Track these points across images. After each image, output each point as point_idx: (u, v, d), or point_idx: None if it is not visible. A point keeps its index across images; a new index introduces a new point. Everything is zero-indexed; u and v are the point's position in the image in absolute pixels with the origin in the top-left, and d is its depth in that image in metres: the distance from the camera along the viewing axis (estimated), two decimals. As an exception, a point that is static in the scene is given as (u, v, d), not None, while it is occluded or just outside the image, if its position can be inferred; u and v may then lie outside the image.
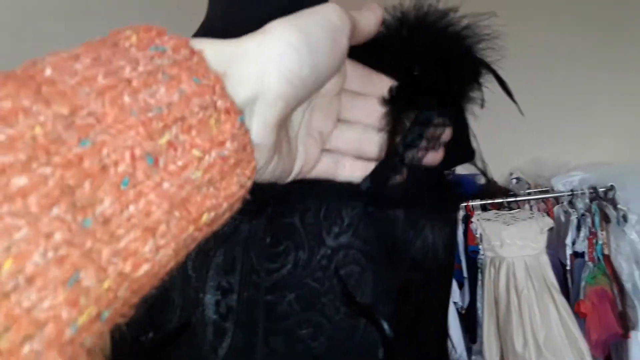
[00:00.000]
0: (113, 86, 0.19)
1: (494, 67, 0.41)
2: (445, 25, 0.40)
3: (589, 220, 1.80)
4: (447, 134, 0.36)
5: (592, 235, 1.78)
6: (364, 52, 0.43)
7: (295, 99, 0.26)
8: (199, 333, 0.38)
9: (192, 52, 0.22)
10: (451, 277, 0.46)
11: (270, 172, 0.28)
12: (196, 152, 0.20)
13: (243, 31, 0.41)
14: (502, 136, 2.07)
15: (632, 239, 1.72)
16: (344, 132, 0.35)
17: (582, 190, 1.84)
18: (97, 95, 0.18)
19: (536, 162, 2.12)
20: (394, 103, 0.36)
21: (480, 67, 0.40)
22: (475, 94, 0.41)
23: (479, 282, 1.83)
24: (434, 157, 0.36)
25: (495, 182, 2.12)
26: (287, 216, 0.37)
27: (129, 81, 0.19)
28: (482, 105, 0.42)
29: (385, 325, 0.37)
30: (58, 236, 0.16)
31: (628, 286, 1.69)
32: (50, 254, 0.16)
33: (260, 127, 0.24)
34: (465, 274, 1.86)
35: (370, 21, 0.32)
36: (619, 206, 1.77)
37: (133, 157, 0.18)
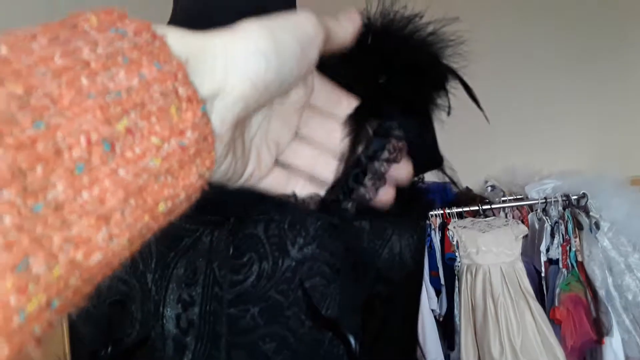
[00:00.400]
0: (70, 67, 0.18)
1: (460, 73, 0.41)
2: (411, 32, 0.39)
3: (562, 227, 1.83)
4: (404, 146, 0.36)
5: (566, 242, 1.81)
6: (330, 59, 0.42)
7: (256, 102, 0.25)
8: (158, 348, 0.36)
9: (154, 36, 0.21)
10: (420, 286, 0.46)
11: (222, 171, 0.27)
12: (155, 140, 0.20)
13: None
14: (477, 144, 2.10)
15: (604, 245, 1.75)
16: (300, 149, 0.34)
17: (555, 197, 1.87)
18: (53, 75, 0.18)
19: (510, 170, 2.15)
20: (357, 112, 0.35)
21: (447, 74, 0.40)
22: (441, 101, 0.41)
23: (456, 290, 1.84)
24: (398, 171, 0.35)
25: (470, 190, 2.14)
26: (251, 227, 0.36)
27: (87, 63, 0.19)
28: (448, 113, 0.41)
29: (351, 339, 0.36)
30: (7, 220, 0.15)
31: (601, 292, 1.72)
32: None
33: (218, 122, 0.24)
34: (442, 282, 1.86)
35: (346, 32, 0.31)
36: (591, 214, 1.80)
37: (89, 141, 0.18)
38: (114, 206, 0.18)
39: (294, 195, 0.34)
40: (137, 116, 0.19)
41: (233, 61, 0.24)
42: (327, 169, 0.34)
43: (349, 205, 0.35)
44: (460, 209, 1.91)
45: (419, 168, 0.43)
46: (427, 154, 0.44)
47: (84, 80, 0.18)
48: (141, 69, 0.20)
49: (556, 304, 1.75)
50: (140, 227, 0.20)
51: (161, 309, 0.37)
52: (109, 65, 0.19)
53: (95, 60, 0.19)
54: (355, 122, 0.34)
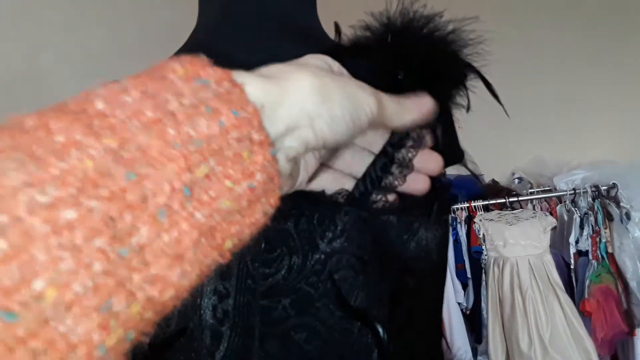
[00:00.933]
0: (159, 119, 0.20)
1: (480, 70, 0.42)
2: (431, 31, 0.40)
3: (592, 218, 1.80)
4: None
5: (596, 233, 1.78)
6: (349, 56, 0.43)
7: (312, 147, 0.27)
8: (196, 338, 0.39)
9: (234, 84, 0.22)
10: (444, 279, 0.47)
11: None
12: (228, 183, 0.21)
13: (234, 48, 0.42)
14: (503, 136, 2.07)
15: (636, 236, 1.71)
16: (341, 151, 0.36)
17: (584, 188, 1.84)
18: (144, 128, 0.19)
19: (538, 161, 2.12)
20: None
21: (467, 70, 0.41)
22: (461, 97, 0.42)
23: (483, 283, 1.83)
24: (426, 158, 0.37)
25: (497, 182, 2.12)
26: (282, 222, 0.38)
27: (173, 114, 0.20)
28: (467, 110, 0.42)
29: (380, 329, 0.38)
30: (97, 266, 0.17)
31: (633, 284, 1.69)
32: (89, 283, 0.16)
33: (282, 161, 0.25)
34: (469, 275, 1.85)
35: (404, 118, 0.32)
36: (621, 204, 1.77)
37: (173, 189, 0.19)
38: (187, 246, 0.19)
39: (323, 191, 0.36)
40: (215, 162, 0.21)
41: (301, 107, 0.25)
42: (364, 165, 0.36)
43: (378, 197, 0.37)
44: (486, 202, 1.89)
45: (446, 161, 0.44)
46: (448, 149, 0.45)
47: (171, 131, 0.20)
48: (221, 117, 0.21)
49: (586, 296, 1.73)
50: (208, 263, 0.21)
51: (199, 300, 0.39)
52: (193, 115, 0.20)
53: (181, 112, 0.20)
54: None
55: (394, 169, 0.37)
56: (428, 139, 0.38)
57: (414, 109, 0.33)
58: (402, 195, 0.38)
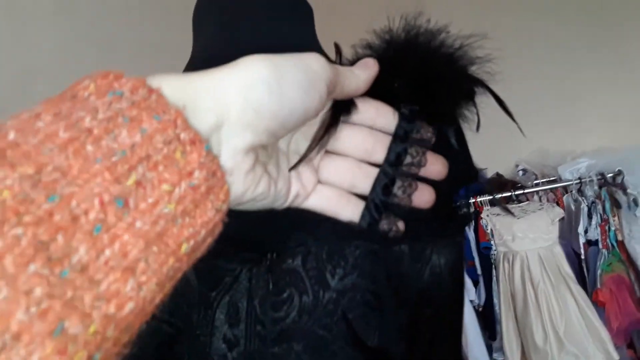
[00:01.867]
0: (75, 138, 0.20)
1: (489, 83, 0.40)
2: (436, 47, 0.39)
3: (599, 207, 1.78)
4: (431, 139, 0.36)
5: (604, 222, 1.76)
6: None
7: (267, 130, 0.26)
8: None
9: (150, 90, 0.22)
10: (462, 304, 0.46)
11: (261, 194, 0.28)
12: (165, 187, 0.21)
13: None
14: (504, 128, 2.05)
15: (645, 222, 1.70)
16: (336, 162, 0.34)
17: (590, 177, 1.82)
18: (60, 150, 0.19)
19: (541, 152, 2.11)
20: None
21: (475, 85, 0.40)
22: (470, 113, 0.40)
23: (494, 278, 1.81)
24: (429, 170, 0.35)
25: (501, 176, 2.11)
26: (288, 261, 0.36)
27: (90, 130, 0.20)
28: (477, 128, 0.41)
29: None
30: (38, 291, 0.16)
31: (645, 271, 1.68)
32: (33, 309, 0.16)
33: (229, 153, 0.25)
34: (479, 271, 1.84)
35: (358, 80, 0.32)
36: (628, 191, 1.75)
37: (102, 203, 0.19)
38: (136, 257, 0.19)
39: (331, 223, 0.34)
40: (144, 169, 0.21)
41: (234, 91, 0.25)
42: (367, 179, 0.34)
43: (386, 224, 0.35)
44: (492, 196, 1.87)
45: (455, 183, 0.43)
46: (461, 168, 0.43)
47: (89, 147, 0.20)
48: (142, 124, 0.21)
49: (598, 285, 1.72)
50: (166, 270, 0.21)
51: (207, 349, 0.37)
52: (111, 128, 0.20)
53: (97, 127, 0.20)
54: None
55: (397, 190, 0.34)
56: (426, 152, 0.36)
57: (364, 69, 0.33)
58: (411, 221, 0.36)
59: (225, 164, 0.25)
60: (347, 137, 0.34)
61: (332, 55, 0.48)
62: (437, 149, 0.37)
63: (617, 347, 1.65)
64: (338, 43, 0.46)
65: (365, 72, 0.32)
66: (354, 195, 0.35)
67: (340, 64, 0.45)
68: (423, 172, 0.35)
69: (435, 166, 0.35)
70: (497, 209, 1.86)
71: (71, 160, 0.19)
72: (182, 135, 0.22)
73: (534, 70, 2.23)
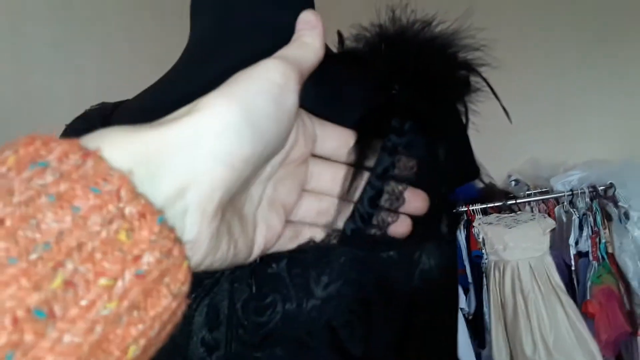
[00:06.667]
0: None
1: (482, 72, 0.40)
2: (427, 37, 0.38)
3: (590, 219, 1.79)
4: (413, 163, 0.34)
5: (595, 234, 1.77)
6: (343, 65, 0.41)
7: (239, 180, 0.23)
8: None
9: (85, 155, 0.18)
10: (456, 304, 0.44)
11: (220, 259, 0.24)
12: (104, 281, 0.17)
13: (227, 62, 0.38)
14: (497, 138, 2.06)
15: (636, 236, 1.71)
16: (311, 203, 0.32)
17: (581, 189, 1.84)
18: None
19: (533, 162, 2.12)
20: (365, 126, 0.34)
21: (470, 74, 0.39)
22: (471, 106, 0.40)
23: (485, 287, 1.82)
24: (412, 196, 0.34)
25: (494, 185, 2.12)
26: (273, 265, 0.34)
27: (2, 222, 0.16)
28: (465, 124, 0.40)
29: None
30: None
31: (634, 284, 1.69)
32: None
33: (196, 219, 0.21)
34: (470, 279, 1.84)
35: (314, 49, 0.29)
36: (620, 204, 1.76)
37: (15, 321, 0.15)
38: None
39: (312, 240, 0.33)
40: (76, 263, 0.16)
41: (201, 148, 0.21)
42: (343, 215, 0.33)
43: (373, 231, 0.34)
44: (484, 205, 1.88)
45: (456, 180, 0.42)
46: (463, 165, 0.42)
47: (1, 245, 0.15)
48: (73, 201, 0.17)
49: (588, 297, 1.72)
50: None
51: (184, 353, 0.35)
52: (31, 213, 0.16)
53: (11, 215, 0.16)
54: (362, 139, 0.33)
55: (383, 202, 0.33)
56: (414, 167, 0.35)
57: (310, 34, 0.29)
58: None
59: (189, 234, 0.21)
60: (320, 173, 0.32)
61: (331, 43, 0.48)
62: (429, 159, 0.36)
63: (605, 359, 1.65)
64: (341, 31, 0.45)
65: (314, 37, 0.29)
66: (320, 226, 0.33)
67: (343, 52, 0.44)
68: (402, 210, 0.34)
69: (414, 203, 0.34)
70: (489, 218, 1.87)
71: None
72: (128, 210, 0.18)
73: (527, 81, 2.25)
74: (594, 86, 2.27)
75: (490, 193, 2.00)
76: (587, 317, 1.70)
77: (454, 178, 0.41)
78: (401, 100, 0.36)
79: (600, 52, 2.28)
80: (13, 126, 0.97)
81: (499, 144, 2.12)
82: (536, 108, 2.26)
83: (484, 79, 0.39)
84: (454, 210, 0.44)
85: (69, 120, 0.53)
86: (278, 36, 0.48)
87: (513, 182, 2.09)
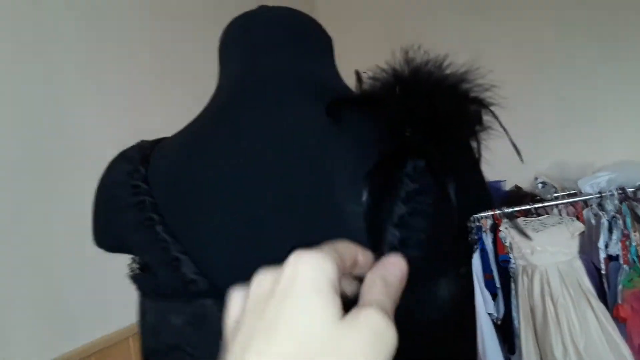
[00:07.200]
0: None
1: (493, 110, 0.41)
2: (440, 78, 0.40)
3: (620, 221, 1.77)
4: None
5: (625, 237, 1.75)
6: (358, 106, 0.43)
7: None
8: None
9: None
10: (473, 335, 0.45)
11: None
12: None
13: (254, 109, 0.39)
14: (524, 140, 2.04)
15: (667, 238, 1.68)
16: None
17: (610, 191, 1.81)
18: None
19: (560, 165, 2.10)
20: (383, 170, 0.35)
21: (481, 109, 0.40)
22: (485, 137, 0.41)
23: (513, 292, 1.81)
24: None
25: (520, 188, 2.10)
26: None
27: None
28: (478, 157, 0.42)
29: None
30: None
31: (667, 287, 1.66)
32: None
33: None
34: (498, 284, 1.84)
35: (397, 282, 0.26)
36: (650, 206, 1.74)
37: None
38: None
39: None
40: None
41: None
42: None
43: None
44: (511, 209, 1.87)
45: (468, 211, 0.44)
46: (472, 199, 0.44)
47: None
48: None
49: (619, 301, 1.70)
50: None
51: None
52: None
53: None
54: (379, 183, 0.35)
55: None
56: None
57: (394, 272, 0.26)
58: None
59: None
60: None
61: (349, 81, 0.50)
62: (441, 198, 0.37)
63: (638, 364, 1.63)
64: (359, 71, 0.48)
65: (398, 276, 0.26)
66: None
67: (361, 90, 0.47)
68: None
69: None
70: (516, 222, 1.85)
71: None
72: None
73: (554, 82, 2.23)
74: (622, 86, 2.23)
75: (517, 196, 1.99)
76: (619, 321, 1.68)
77: (467, 210, 0.43)
78: (413, 144, 0.38)
79: (626, 50, 2.23)
80: (46, 149, 1.01)
81: (525, 146, 2.10)
82: (563, 109, 2.23)
83: (494, 115, 0.41)
84: (470, 238, 0.45)
85: (99, 143, 0.55)
86: (300, 79, 0.50)
87: (540, 185, 2.07)
